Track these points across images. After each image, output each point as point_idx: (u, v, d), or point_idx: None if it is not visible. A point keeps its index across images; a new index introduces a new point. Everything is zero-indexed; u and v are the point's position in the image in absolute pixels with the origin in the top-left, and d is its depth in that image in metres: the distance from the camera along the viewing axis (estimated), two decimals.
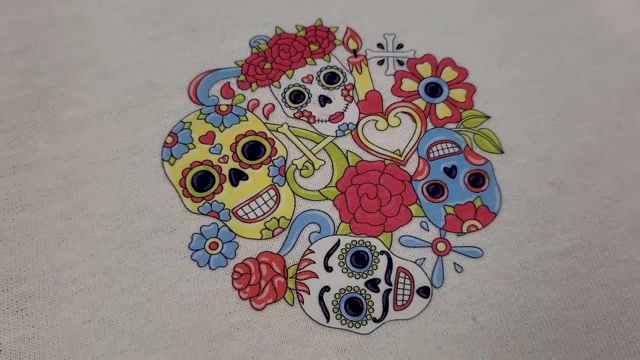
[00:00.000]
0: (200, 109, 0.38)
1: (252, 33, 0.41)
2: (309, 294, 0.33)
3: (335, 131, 0.38)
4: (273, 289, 0.34)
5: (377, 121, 0.38)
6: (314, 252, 0.35)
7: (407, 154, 0.37)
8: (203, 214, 0.35)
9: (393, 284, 0.34)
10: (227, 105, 0.38)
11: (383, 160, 0.37)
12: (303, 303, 0.33)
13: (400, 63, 0.40)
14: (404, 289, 0.34)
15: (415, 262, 0.34)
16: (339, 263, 0.34)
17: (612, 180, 0.37)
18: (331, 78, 0.40)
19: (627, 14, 0.41)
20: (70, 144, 0.37)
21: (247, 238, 0.35)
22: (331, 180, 0.37)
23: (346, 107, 0.39)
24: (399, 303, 0.33)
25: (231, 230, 0.35)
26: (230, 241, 0.35)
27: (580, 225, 0.36)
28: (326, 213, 0.36)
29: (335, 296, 0.34)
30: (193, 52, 0.40)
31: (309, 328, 0.33)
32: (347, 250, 0.35)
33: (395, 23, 0.41)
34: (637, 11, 0.41)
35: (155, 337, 0.32)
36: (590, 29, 0.41)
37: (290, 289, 0.34)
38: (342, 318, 0.33)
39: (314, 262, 0.34)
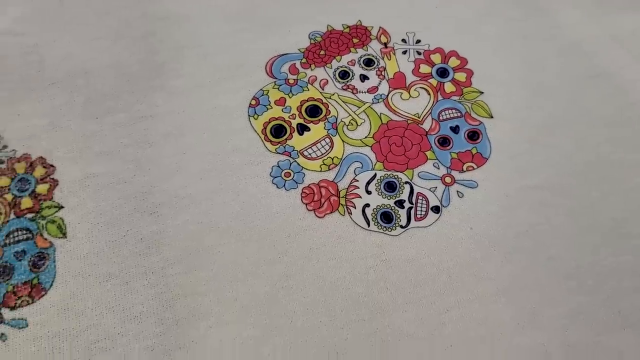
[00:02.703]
0: (275, 82, 0.53)
1: (310, 29, 0.56)
2: (355, 208, 0.47)
3: (372, 99, 0.52)
4: (330, 205, 0.47)
5: (402, 93, 0.53)
6: (358, 181, 0.49)
7: (424, 116, 0.52)
8: (279, 154, 0.49)
9: (414, 204, 0.48)
10: (294, 79, 0.53)
11: (406, 120, 0.52)
12: (351, 214, 0.47)
13: (419, 53, 0.55)
14: (421, 207, 0.48)
15: (429, 189, 0.49)
16: (375, 189, 0.48)
17: (569, 138, 0.52)
18: (368, 62, 0.54)
19: (581, 22, 0.57)
20: (180, 103, 0.51)
21: (311, 170, 0.49)
22: (369, 133, 0.51)
23: (379, 83, 0.53)
24: (418, 216, 0.47)
25: (299, 165, 0.49)
26: (299, 172, 0.49)
27: (546, 168, 0.50)
28: (366, 155, 0.50)
29: (373, 210, 0.47)
30: (269, 41, 0.54)
31: (356, 230, 0.47)
32: (381, 180, 0.49)
33: (415, 25, 0.56)
34: (589, 20, 0.57)
35: (248, 234, 0.46)
36: (556, 32, 0.56)
37: (342, 205, 0.48)
38: (379, 224, 0.47)
39: (358, 188, 0.48)
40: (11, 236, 0.45)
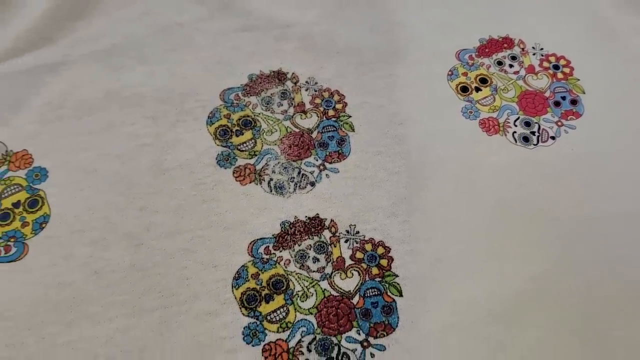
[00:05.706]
0: (461, 63, 0.93)
1: (480, 36, 0.96)
2: (508, 133, 0.86)
3: (515, 78, 0.92)
4: (495, 129, 0.86)
5: (532, 76, 0.92)
6: (510, 119, 0.88)
7: (545, 89, 0.91)
8: (464, 101, 0.89)
9: (540, 133, 0.86)
10: (471, 62, 0.93)
11: (535, 90, 0.91)
12: (506, 136, 0.86)
13: (542, 55, 0.95)
14: (544, 135, 0.86)
15: (549, 127, 0.87)
16: (519, 124, 0.87)
17: (633, 108, 0.90)
18: (513, 58, 0.94)
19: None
20: (409, 70, 0.91)
21: (484, 112, 0.88)
22: (515, 95, 0.90)
23: (519, 70, 0.93)
24: (543, 140, 0.86)
25: (477, 108, 0.88)
26: (477, 111, 0.88)
27: (617, 125, 0.88)
28: (514, 106, 0.89)
29: (518, 135, 0.86)
30: (456, 40, 0.94)
31: (509, 144, 0.85)
32: (522, 120, 0.88)
33: (540, 39, 0.96)
34: None
35: (449, 139, 0.85)
36: (626, 50, 0.95)
37: (501, 130, 0.86)
38: (521, 142, 0.85)
39: (510, 122, 0.87)
40: (324, 129, 0.85)
